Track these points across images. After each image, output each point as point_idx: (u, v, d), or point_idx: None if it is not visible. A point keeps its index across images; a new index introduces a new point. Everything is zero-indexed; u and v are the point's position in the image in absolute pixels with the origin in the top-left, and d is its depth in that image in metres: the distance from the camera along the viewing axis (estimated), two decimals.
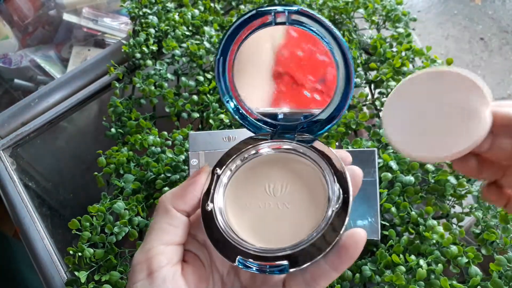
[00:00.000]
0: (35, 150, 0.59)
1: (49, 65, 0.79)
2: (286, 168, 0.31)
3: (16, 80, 0.78)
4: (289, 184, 0.30)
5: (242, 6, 0.64)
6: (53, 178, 0.60)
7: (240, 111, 0.33)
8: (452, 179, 0.42)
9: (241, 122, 0.33)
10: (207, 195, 0.29)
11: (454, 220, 0.42)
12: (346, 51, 0.29)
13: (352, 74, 0.29)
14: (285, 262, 0.25)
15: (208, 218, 0.28)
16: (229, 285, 0.29)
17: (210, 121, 0.49)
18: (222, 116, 0.49)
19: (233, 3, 0.66)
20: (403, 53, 0.55)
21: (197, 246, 0.30)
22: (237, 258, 0.26)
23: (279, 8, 0.29)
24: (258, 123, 0.33)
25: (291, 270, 0.25)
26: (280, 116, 0.33)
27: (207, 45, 0.57)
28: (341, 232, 0.25)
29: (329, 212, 0.26)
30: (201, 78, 0.54)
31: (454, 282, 0.36)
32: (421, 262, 0.38)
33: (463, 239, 0.44)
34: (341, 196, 0.27)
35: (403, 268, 0.38)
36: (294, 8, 0.29)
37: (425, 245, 0.39)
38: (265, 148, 0.31)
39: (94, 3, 0.85)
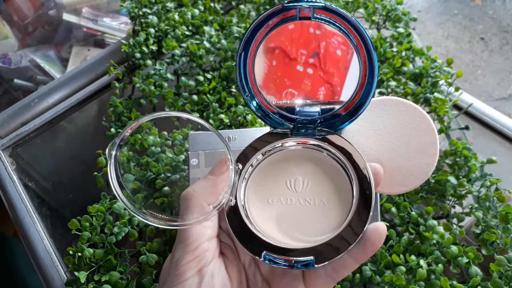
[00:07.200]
0: (35, 150, 0.59)
1: (48, 65, 0.79)
2: (306, 163, 0.30)
3: (15, 80, 0.78)
4: (311, 179, 0.30)
5: (242, 6, 0.64)
6: (53, 178, 0.60)
7: (262, 108, 0.33)
8: (453, 179, 0.42)
9: (262, 118, 0.33)
10: (230, 190, 0.29)
11: (455, 220, 0.42)
12: (370, 48, 0.29)
13: (375, 71, 0.29)
14: (311, 258, 0.25)
15: (232, 213, 0.28)
16: (251, 276, 0.29)
17: (210, 121, 0.49)
18: (222, 116, 0.49)
19: (233, 3, 0.66)
20: (403, 53, 0.55)
21: (225, 236, 0.30)
22: (262, 253, 0.26)
23: (305, 4, 0.29)
24: (277, 118, 0.33)
25: (317, 266, 0.25)
26: (299, 109, 0.32)
27: (207, 45, 0.57)
28: (365, 227, 0.25)
29: (353, 208, 0.26)
30: (201, 78, 0.54)
31: (455, 282, 0.36)
32: (421, 262, 0.37)
33: (463, 239, 0.44)
34: (364, 191, 0.27)
35: (403, 268, 0.37)
36: (320, 4, 0.29)
37: (425, 245, 0.39)
38: (285, 144, 0.31)
39: (94, 3, 0.85)
